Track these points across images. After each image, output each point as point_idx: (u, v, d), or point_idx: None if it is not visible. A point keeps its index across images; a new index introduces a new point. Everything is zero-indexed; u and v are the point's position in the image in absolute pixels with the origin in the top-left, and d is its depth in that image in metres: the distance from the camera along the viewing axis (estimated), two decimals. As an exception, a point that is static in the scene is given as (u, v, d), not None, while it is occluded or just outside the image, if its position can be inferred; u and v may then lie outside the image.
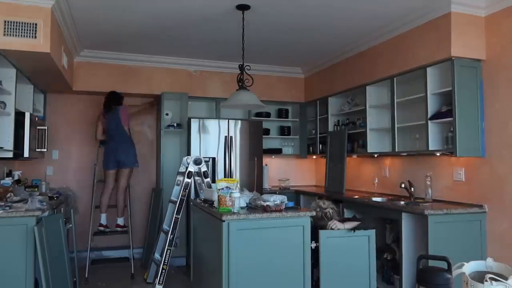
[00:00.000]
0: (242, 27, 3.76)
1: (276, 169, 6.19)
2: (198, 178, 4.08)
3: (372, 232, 3.24)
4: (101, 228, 4.82)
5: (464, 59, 3.57)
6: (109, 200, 4.90)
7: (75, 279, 3.87)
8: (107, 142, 4.91)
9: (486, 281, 2.34)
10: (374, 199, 4.37)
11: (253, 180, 5.10)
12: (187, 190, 3.92)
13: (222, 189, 3.03)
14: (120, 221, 4.94)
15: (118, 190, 4.90)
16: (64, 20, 3.83)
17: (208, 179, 4.03)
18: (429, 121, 3.77)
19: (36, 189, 4.35)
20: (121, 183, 4.89)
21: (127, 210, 4.98)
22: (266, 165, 5.78)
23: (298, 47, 4.99)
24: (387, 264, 4.15)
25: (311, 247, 3.08)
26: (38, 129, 4.34)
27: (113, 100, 4.90)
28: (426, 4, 3.62)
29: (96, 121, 5.05)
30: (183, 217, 4.33)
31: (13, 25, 3.31)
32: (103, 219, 4.85)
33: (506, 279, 2.37)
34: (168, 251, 3.86)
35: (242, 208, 3.13)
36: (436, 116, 3.75)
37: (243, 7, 3.64)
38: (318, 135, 5.77)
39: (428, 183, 3.98)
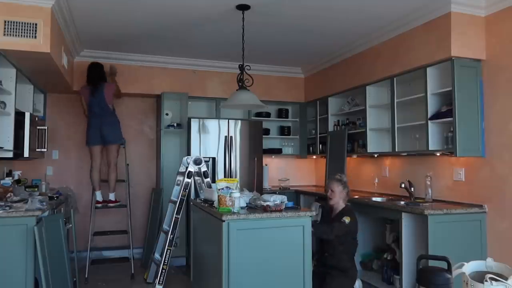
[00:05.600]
0: (242, 27, 3.77)
1: (276, 169, 6.19)
2: (198, 178, 4.07)
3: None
4: (99, 205, 4.84)
5: (464, 59, 3.57)
6: (99, 176, 4.90)
7: (75, 279, 3.87)
8: (89, 119, 4.81)
9: (486, 281, 2.34)
10: (374, 199, 4.38)
11: (253, 180, 5.09)
12: (187, 190, 3.91)
13: (222, 189, 3.03)
14: (112, 196, 4.94)
15: (109, 167, 4.89)
16: (64, 20, 3.83)
17: (208, 179, 4.02)
18: (429, 121, 3.77)
19: (36, 189, 4.34)
20: (110, 159, 4.87)
21: (118, 185, 5.00)
22: (266, 165, 5.78)
23: (298, 47, 4.99)
24: (387, 264, 4.16)
25: None
26: (38, 129, 4.33)
27: (96, 74, 4.78)
28: (426, 4, 3.62)
29: (80, 97, 4.93)
30: (183, 217, 4.33)
31: (13, 25, 3.31)
32: (99, 196, 4.87)
33: (506, 279, 2.37)
34: (168, 251, 3.86)
35: (242, 208, 3.12)
36: (436, 116, 3.75)
37: (243, 7, 3.64)
38: (318, 135, 5.77)
39: (428, 183, 3.98)
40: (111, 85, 4.86)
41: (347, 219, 3.41)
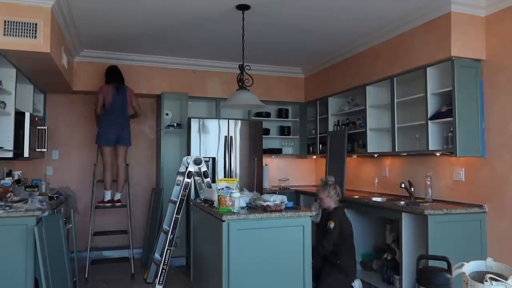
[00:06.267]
0: (242, 27, 3.77)
1: (276, 169, 6.19)
2: (198, 178, 4.08)
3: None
4: (108, 205, 4.90)
5: (464, 59, 3.57)
6: (111, 176, 4.95)
7: (75, 279, 3.87)
8: (105, 118, 4.80)
9: (486, 281, 2.34)
10: (374, 199, 4.38)
11: (253, 180, 5.10)
12: (187, 190, 3.92)
13: (222, 189, 3.03)
14: (118, 195, 5.00)
15: (119, 167, 4.94)
16: (64, 20, 3.83)
17: (208, 179, 4.02)
18: (429, 121, 3.77)
19: (36, 189, 4.34)
20: (121, 160, 4.93)
21: (126, 185, 5.05)
22: (266, 165, 5.78)
23: (298, 47, 4.99)
24: (387, 264, 4.16)
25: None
26: (38, 129, 4.33)
27: (119, 75, 4.92)
28: (426, 4, 3.62)
29: (98, 94, 4.89)
30: (183, 217, 4.33)
31: (13, 25, 3.31)
32: (108, 195, 4.93)
33: (506, 279, 2.37)
34: (168, 251, 3.86)
35: (242, 208, 3.13)
36: (436, 116, 3.75)
37: (243, 7, 3.64)
38: (318, 135, 5.77)
39: (428, 183, 3.98)
40: (131, 89, 5.01)
41: (331, 224, 3.53)
